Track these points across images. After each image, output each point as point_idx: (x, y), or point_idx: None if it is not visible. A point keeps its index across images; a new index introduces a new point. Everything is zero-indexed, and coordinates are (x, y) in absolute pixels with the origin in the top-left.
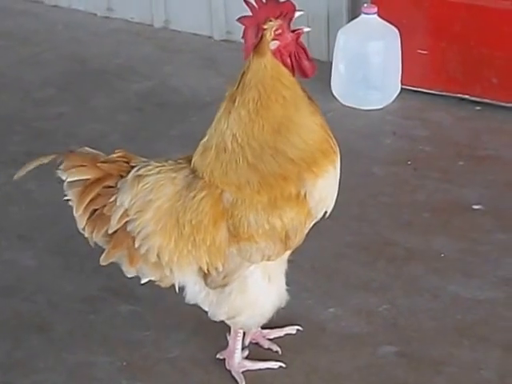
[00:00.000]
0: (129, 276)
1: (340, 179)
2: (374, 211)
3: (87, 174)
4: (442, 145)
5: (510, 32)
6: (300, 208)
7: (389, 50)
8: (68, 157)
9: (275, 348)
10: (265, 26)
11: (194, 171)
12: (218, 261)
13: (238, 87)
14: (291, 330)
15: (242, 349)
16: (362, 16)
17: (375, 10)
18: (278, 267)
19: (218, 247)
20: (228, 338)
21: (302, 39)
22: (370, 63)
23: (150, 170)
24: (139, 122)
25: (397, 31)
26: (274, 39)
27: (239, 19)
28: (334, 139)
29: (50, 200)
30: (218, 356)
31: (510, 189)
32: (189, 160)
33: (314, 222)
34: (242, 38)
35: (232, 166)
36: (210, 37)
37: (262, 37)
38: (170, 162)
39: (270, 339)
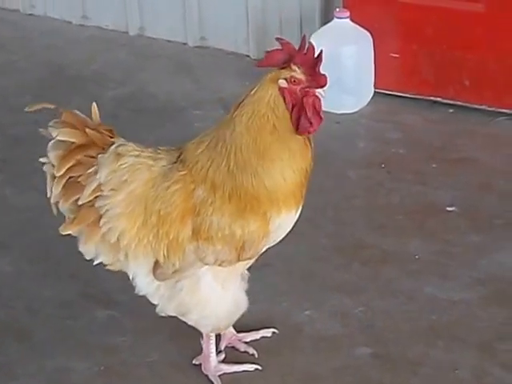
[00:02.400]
0: (84, 254)
1: (315, 182)
2: (348, 214)
3: (75, 138)
4: (415, 147)
5: (481, 34)
6: (262, 225)
7: (361, 54)
8: (65, 114)
9: (251, 351)
10: (292, 65)
11: (171, 163)
12: (176, 256)
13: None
14: (267, 332)
15: (218, 352)
16: (335, 20)
17: (347, 14)
18: (231, 275)
19: (179, 243)
20: (202, 343)
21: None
22: (343, 67)
23: (129, 151)
24: (115, 128)
25: (369, 35)
26: (286, 79)
27: (281, 40)
28: (305, 189)
29: (27, 206)
30: (194, 362)
31: (483, 190)
32: (168, 152)
33: (263, 249)
34: (271, 52)
35: (215, 164)
36: (184, 43)
37: (283, 67)
38: (149, 149)
39: (246, 342)
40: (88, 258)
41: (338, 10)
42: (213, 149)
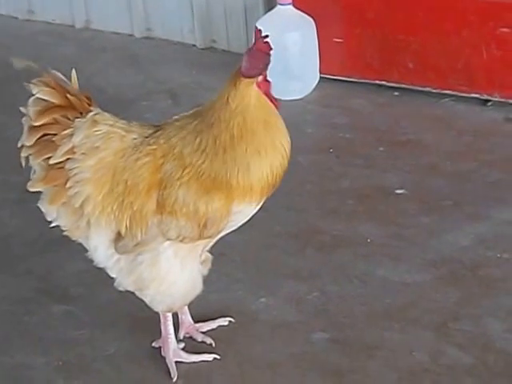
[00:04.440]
0: (45, 214)
1: None
2: (300, 200)
3: (55, 99)
4: (362, 131)
5: (423, 17)
6: (226, 204)
7: (306, 40)
8: (47, 74)
9: (209, 341)
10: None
11: (143, 137)
12: (138, 228)
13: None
14: (223, 321)
15: (178, 341)
16: (278, 7)
17: (290, 0)
18: (191, 253)
19: (143, 215)
20: (161, 327)
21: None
22: (288, 54)
23: (104, 120)
24: None
25: (312, 21)
26: None
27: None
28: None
29: None
30: (153, 344)
31: (431, 172)
32: (140, 127)
33: (222, 234)
34: (253, 58)
35: (190, 145)
36: (130, 35)
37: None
38: (122, 121)
39: (203, 332)
40: (48, 219)
41: None
42: (191, 131)
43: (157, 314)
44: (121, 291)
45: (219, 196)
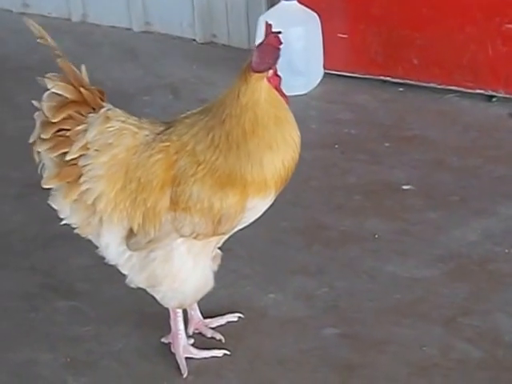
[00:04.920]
0: (57, 211)
1: None
2: (306, 196)
3: (69, 94)
4: (367, 127)
5: (428, 13)
6: (241, 200)
7: (310, 36)
8: (63, 66)
9: (218, 336)
10: None
11: (154, 134)
12: (151, 225)
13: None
14: (233, 317)
15: (188, 337)
16: (282, 2)
17: None
18: (204, 250)
19: (156, 212)
20: (170, 322)
21: None
22: (292, 49)
23: (117, 116)
24: None
25: (317, 16)
26: None
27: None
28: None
29: None
30: (162, 340)
31: (437, 168)
32: (151, 123)
33: (237, 227)
34: (263, 53)
35: (203, 142)
36: (128, 29)
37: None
38: (133, 117)
39: (212, 328)
40: (61, 216)
41: None
42: (203, 128)
43: (164, 309)
44: (126, 287)
45: (234, 192)
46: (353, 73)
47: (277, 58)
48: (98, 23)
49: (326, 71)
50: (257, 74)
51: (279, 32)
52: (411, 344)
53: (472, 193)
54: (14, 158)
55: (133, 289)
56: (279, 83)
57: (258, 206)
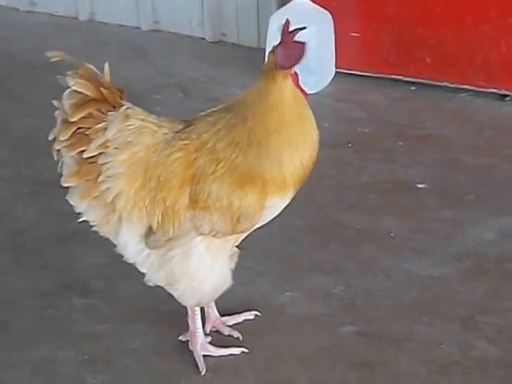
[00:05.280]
0: (75, 208)
1: None
2: (320, 194)
3: (90, 91)
4: (380, 126)
5: (441, 11)
6: (260, 199)
7: (322, 34)
8: (83, 67)
9: (236, 334)
10: None
11: (173, 132)
12: (170, 223)
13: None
14: (250, 315)
15: (205, 335)
16: (295, 1)
17: None
18: (222, 248)
19: (176, 210)
20: (188, 320)
21: None
22: None
23: (136, 114)
24: None
25: (329, 15)
26: None
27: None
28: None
29: None
30: (180, 338)
31: (451, 166)
32: (170, 122)
33: (256, 225)
34: (293, 48)
35: (224, 140)
36: (137, 27)
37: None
38: (152, 116)
39: (229, 326)
40: (79, 214)
41: None
42: (224, 126)
43: (181, 307)
44: (141, 285)
45: (253, 190)
46: (365, 72)
47: (304, 53)
48: (106, 22)
49: (338, 70)
50: (283, 72)
51: (304, 28)
52: (430, 342)
53: (488, 192)
54: (24, 156)
55: (148, 287)
56: (298, 80)
57: (276, 204)
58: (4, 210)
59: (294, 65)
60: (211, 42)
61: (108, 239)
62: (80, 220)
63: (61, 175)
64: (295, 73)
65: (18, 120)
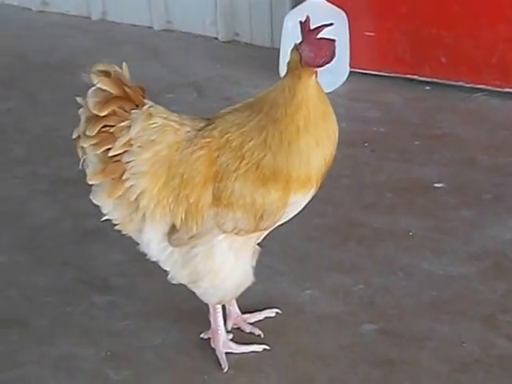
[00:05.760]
0: (100, 207)
1: None
2: (337, 193)
3: (114, 89)
4: (396, 125)
5: (457, 11)
6: (283, 196)
7: (337, 34)
8: (106, 66)
9: (257, 332)
10: None
11: (195, 130)
12: (193, 221)
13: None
14: (270, 312)
15: (226, 332)
16: (309, 0)
17: None
18: (245, 245)
19: (199, 208)
20: (209, 317)
21: None
22: None
23: (159, 113)
24: None
25: (344, 14)
26: None
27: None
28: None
29: (10, 196)
30: (202, 335)
31: (468, 166)
32: (192, 120)
33: (279, 222)
34: (321, 46)
35: (248, 137)
36: (149, 27)
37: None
38: (174, 114)
39: (250, 323)
40: (104, 212)
41: None
42: (255, 126)
43: (201, 304)
44: (160, 282)
45: (276, 188)
46: (379, 71)
47: (333, 51)
48: (118, 21)
49: (352, 69)
50: (309, 70)
51: (331, 24)
52: (451, 340)
53: (505, 191)
54: (40, 155)
55: (168, 284)
56: (317, 78)
57: (299, 201)
58: (21, 209)
59: (323, 63)
60: (224, 42)
61: (126, 237)
62: (103, 219)
63: (84, 173)
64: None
65: (32, 119)
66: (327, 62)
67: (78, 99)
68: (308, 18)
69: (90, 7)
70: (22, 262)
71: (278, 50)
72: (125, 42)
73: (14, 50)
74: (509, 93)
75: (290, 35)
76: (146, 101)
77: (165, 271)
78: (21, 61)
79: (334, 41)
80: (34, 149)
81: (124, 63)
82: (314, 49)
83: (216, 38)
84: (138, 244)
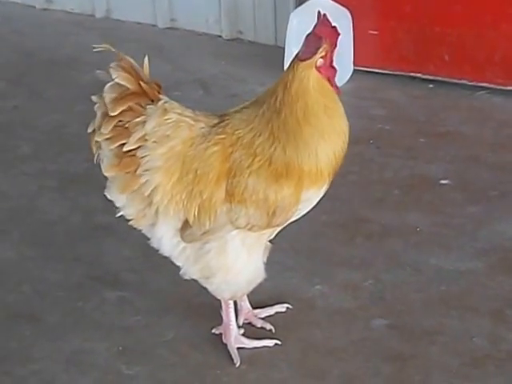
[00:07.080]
0: (114, 202)
1: None
2: (344, 190)
3: (131, 84)
4: (401, 123)
5: (461, 9)
6: (295, 192)
7: (341, 32)
8: (124, 60)
9: (268, 326)
10: (324, 45)
11: (209, 126)
12: (206, 217)
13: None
14: (281, 308)
15: (238, 328)
16: None
17: None
18: (257, 242)
19: (212, 204)
20: (221, 312)
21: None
22: None
23: (174, 109)
24: None
25: (348, 13)
26: (322, 57)
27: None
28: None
29: (20, 192)
30: (213, 331)
31: (473, 163)
32: (206, 116)
33: (292, 219)
34: (307, 41)
35: (260, 134)
36: (153, 25)
37: (316, 52)
38: (188, 110)
39: (261, 318)
40: (117, 206)
41: None
42: (260, 120)
43: (212, 300)
44: (170, 277)
45: (288, 184)
46: (383, 69)
47: (319, 47)
48: (123, 19)
49: (356, 67)
50: (304, 63)
51: (332, 24)
52: (461, 335)
53: (510, 188)
54: (49, 152)
55: (178, 279)
56: (333, 75)
57: (311, 197)
58: (31, 205)
59: (308, 57)
60: (228, 40)
61: (136, 232)
62: (117, 215)
63: (93, 169)
64: (332, 67)
65: (40, 116)
66: (311, 56)
67: (93, 97)
68: (319, 13)
69: (94, 5)
70: (32, 257)
71: (282, 48)
72: (129, 40)
73: (20, 48)
74: (511, 91)
75: (295, 33)
76: (161, 96)
77: (176, 266)
78: (27, 58)
79: (322, 37)
80: (42, 146)
81: (146, 58)
82: (305, 43)
83: (220, 36)
84: (148, 239)
